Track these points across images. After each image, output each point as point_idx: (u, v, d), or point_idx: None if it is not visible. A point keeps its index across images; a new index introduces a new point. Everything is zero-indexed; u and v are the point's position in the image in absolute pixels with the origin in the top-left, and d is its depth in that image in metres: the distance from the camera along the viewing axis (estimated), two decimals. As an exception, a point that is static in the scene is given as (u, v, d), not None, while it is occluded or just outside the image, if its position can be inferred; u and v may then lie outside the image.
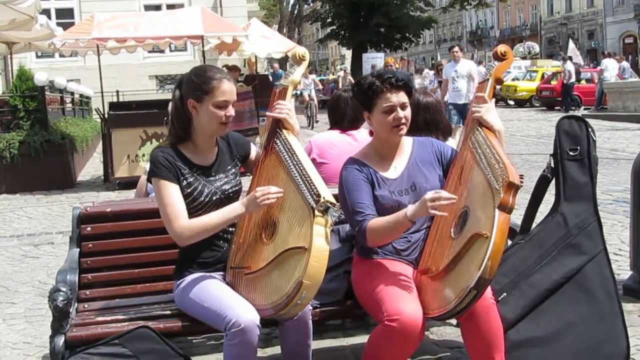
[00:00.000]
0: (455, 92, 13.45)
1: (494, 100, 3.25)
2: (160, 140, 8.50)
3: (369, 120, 3.23)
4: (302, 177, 2.93)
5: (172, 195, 2.99)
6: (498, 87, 29.54)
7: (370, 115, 3.20)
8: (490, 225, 2.71)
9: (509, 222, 2.79)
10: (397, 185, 3.18)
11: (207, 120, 3.04)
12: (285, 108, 3.16)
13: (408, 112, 3.16)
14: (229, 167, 3.20)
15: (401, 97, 3.13)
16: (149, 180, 3.11)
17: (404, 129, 3.17)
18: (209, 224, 2.99)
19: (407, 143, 3.31)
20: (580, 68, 27.58)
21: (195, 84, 3.03)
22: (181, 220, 2.96)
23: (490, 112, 3.16)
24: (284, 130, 3.13)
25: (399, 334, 2.83)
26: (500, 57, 3.29)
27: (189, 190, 3.05)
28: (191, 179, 3.06)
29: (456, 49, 13.96)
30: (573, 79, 23.87)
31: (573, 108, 23.52)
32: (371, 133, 3.32)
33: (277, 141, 3.12)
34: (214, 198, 3.08)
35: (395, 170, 3.22)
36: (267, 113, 3.22)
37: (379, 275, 3.08)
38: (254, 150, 3.31)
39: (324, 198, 2.82)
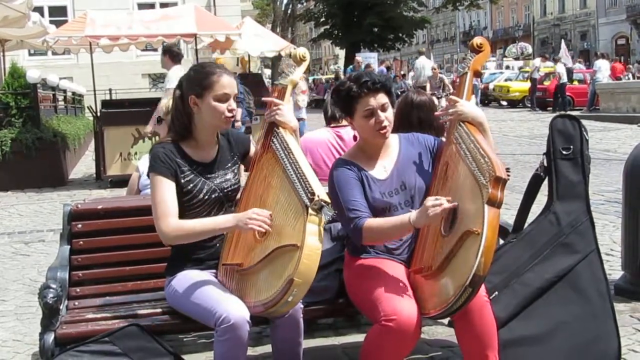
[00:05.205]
0: None
1: (469, 94, 3.20)
2: (153, 139, 8.48)
3: (352, 125, 3.22)
4: (297, 175, 2.91)
5: (166, 192, 2.97)
6: (493, 86, 29.30)
7: (352, 121, 3.19)
8: (481, 222, 2.68)
9: (499, 217, 2.76)
10: (387, 186, 3.16)
11: (210, 115, 3.04)
12: (275, 108, 3.16)
13: (389, 112, 3.12)
14: (229, 165, 3.19)
15: (380, 98, 3.08)
16: (147, 174, 3.10)
17: (388, 131, 3.14)
18: (196, 229, 2.96)
19: (394, 141, 3.27)
20: (573, 69, 27.61)
21: (195, 80, 3.05)
22: (170, 219, 2.93)
23: (463, 108, 3.12)
24: (280, 129, 3.12)
25: (397, 333, 2.81)
26: (477, 49, 3.26)
27: (189, 187, 3.04)
28: (191, 176, 3.05)
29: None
30: (564, 80, 23.94)
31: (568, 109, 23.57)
32: (355, 137, 3.29)
33: (274, 139, 3.11)
34: (213, 196, 3.08)
35: (384, 170, 3.19)
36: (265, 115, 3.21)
37: (373, 275, 3.06)
38: (254, 147, 3.30)
39: (318, 196, 2.79)
